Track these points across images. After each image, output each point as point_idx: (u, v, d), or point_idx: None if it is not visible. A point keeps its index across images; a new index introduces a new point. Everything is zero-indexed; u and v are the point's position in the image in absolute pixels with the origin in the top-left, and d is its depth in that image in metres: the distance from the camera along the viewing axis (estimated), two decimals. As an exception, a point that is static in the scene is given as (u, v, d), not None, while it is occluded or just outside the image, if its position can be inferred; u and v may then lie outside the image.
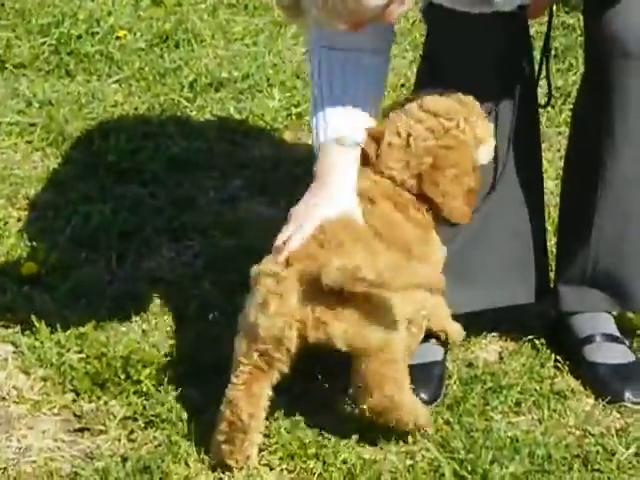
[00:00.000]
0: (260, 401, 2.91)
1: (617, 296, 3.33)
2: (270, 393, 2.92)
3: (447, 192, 3.06)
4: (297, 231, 2.93)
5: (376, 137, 3.08)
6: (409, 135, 3.06)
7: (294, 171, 4.06)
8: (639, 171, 3.24)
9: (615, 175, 3.23)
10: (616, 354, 3.32)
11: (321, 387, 3.08)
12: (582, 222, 3.30)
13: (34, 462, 2.95)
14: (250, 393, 2.90)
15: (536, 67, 3.31)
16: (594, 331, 3.35)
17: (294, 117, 4.42)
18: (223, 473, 2.93)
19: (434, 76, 3.22)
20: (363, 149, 3.06)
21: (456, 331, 3.27)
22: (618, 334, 3.37)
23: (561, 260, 3.41)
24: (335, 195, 2.99)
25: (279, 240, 2.94)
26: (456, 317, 3.25)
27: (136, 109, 4.42)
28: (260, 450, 2.98)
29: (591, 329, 3.35)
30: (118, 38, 4.85)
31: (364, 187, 3.05)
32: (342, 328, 2.86)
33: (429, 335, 3.25)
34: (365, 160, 3.08)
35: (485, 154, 3.17)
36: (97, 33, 4.84)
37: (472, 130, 3.10)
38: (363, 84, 3.04)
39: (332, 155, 3.02)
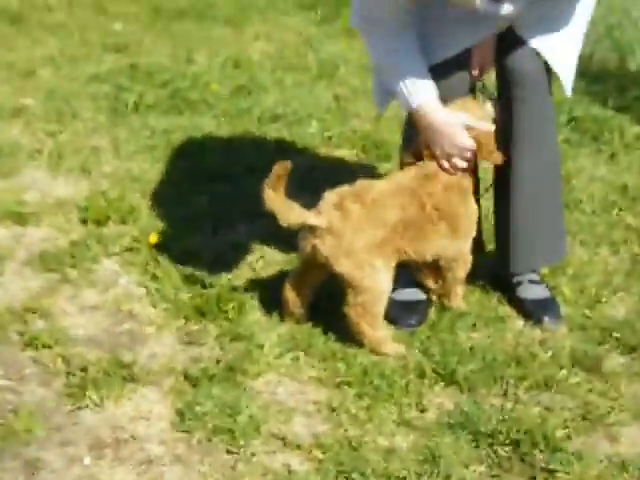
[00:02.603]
0: None
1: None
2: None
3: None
4: (466, 153, 2.97)
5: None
6: None
7: (326, 173, 4.01)
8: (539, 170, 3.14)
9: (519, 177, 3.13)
10: (536, 291, 3.25)
11: (343, 314, 3.04)
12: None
13: (159, 363, 2.95)
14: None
15: None
16: (522, 278, 3.28)
17: (325, 138, 4.38)
18: (280, 370, 2.91)
19: None
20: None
21: (458, 301, 3.19)
22: (537, 278, 3.30)
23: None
24: (452, 124, 2.95)
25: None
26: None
27: (223, 135, 4.39)
28: (305, 355, 2.96)
29: (520, 277, 3.27)
30: (211, 89, 4.82)
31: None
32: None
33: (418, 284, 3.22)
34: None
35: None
36: (198, 86, 4.82)
37: None
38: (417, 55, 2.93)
39: (427, 109, 2.93)
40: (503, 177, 3.15)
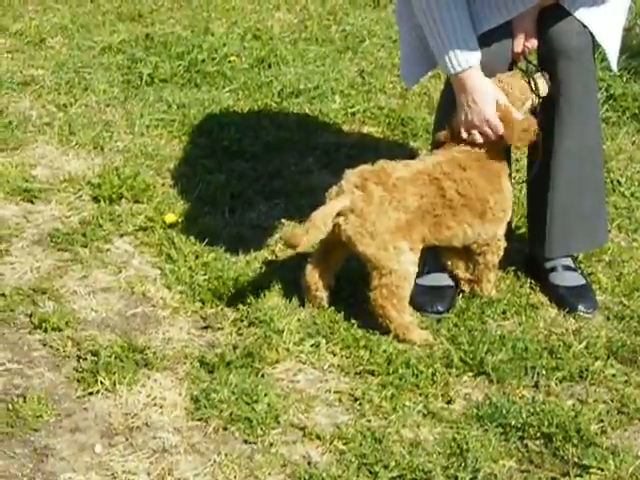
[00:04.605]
0: None
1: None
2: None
3: None
4: (489, 125, 2.97)
5: None
6: None
7: (350, 152, 4.02)
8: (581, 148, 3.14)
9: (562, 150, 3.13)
10: (571, 278, 3.23)
11: (366, 299, 3.04)
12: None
13: (174, 348, 2.96)
14: None
15: None
16: (556, 263, 3.26)
17: (349, 115, 4.37)
18: (300, 358, 2.91)
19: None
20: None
21: (490, 288, 3.17)
22: (572, 264, 3.28)
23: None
24: (484, 95, 2.97)
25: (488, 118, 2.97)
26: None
27: (242, 110, 4.38)
28: (326, 342, 2.96)
29: (554, 262, 3.26)
30: (230, 61, 4.81)
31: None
32: None
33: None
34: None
35: None
36: (215, 58, 4.80)
37: None
38: (464, 18, 2.94)
39: (469, 75, 2.95)
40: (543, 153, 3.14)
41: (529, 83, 3.05)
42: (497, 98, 3.00)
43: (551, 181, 3.15)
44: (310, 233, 2.90)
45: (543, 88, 3.06)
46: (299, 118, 4.32)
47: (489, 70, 3.03)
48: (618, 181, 3.84)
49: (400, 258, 2.93)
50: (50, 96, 4.45)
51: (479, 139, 3.02)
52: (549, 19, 3.04)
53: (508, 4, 2.97)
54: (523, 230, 3.46)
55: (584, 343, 2.97)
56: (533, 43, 3.06)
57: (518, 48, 3.05)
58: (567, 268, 3.26)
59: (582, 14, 3.01)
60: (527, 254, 3.33)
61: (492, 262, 3.13)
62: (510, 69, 3.13)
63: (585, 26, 3.02)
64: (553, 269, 3.25)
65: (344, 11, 5.50)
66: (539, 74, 3.06)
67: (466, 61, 2.94)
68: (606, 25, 3.04)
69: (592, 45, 3.06)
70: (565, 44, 3.03)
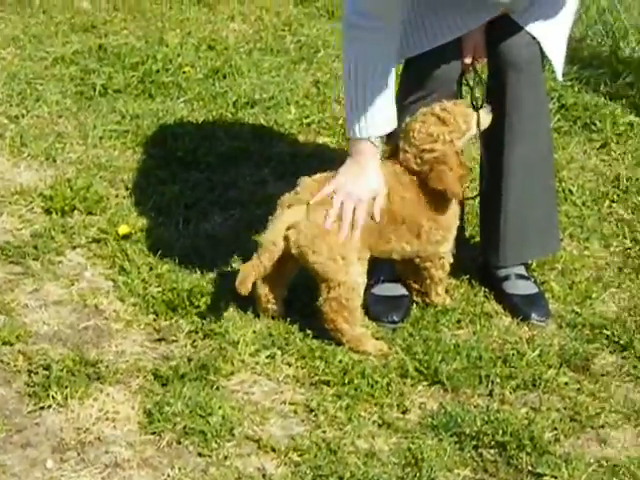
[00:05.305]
0: None
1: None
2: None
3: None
4: (359, 206, 2.88)
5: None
6: None
7: (305, 162, 4.01)
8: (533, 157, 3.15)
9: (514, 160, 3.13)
10: (524, 287, 3.24)
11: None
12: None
13: (127, 361, 2.92)
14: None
15: None
16: (509, 272, 3.28)
17: (305, 125, 4.36)
18: (255, 369, 2.90)
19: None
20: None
21: (441, 300, 3.17)
22: (525, 273, 3.30)
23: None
24: (369, 178, 2.92)
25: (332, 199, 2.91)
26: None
27: (196, 120, 4.36)
28: (282, 353, 2.95)
29: (507, 271, 3.27)
30: (184, 72, 4.78)
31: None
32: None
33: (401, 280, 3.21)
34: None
35: None
36: (170, 68, 4.78)
37: None
38: (388, 91, 2.90)
39: (365, 148, 2.92)
40: (495, 164, 3.16)
41: (474, 108, 3.04)
42: (376, 190, 2.93)
43: (503, 189, 3.16)
44: (262, 260, 2.90)
45: (485, 120, 3.06)
46: (254, 128, 4.30)
47: (441, 80, 3.04)
48: (570, 190, 3.87)
49: (349, 269, 2.92)
50: (1, 107, 4.39)
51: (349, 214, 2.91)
52: (499, 31, 3.06)
53: (458, 22, 2.99)
54: (477, 239, 3.47)
55: (537, 351, 2.99)
56: (482, 55, 3.08)
57: (468, 59, 3.07)
58: (520, 277, 3.27)
59: (531, 27, 3.04)
60: (480, 263, 3.35)
61: (437, 277, 3.12)
62: (460, 80, 3.14)
63: (534, 38, 3.04)
64: (506, 278, 3.26)
65: (299, 22, 5.50)
66: (484, 105, 3.06)
67: (372, 129, 2.89)
68: (552, 35, 3.07)
69: (541, 56, 3.09)
70: (515, 56, 3.05)
